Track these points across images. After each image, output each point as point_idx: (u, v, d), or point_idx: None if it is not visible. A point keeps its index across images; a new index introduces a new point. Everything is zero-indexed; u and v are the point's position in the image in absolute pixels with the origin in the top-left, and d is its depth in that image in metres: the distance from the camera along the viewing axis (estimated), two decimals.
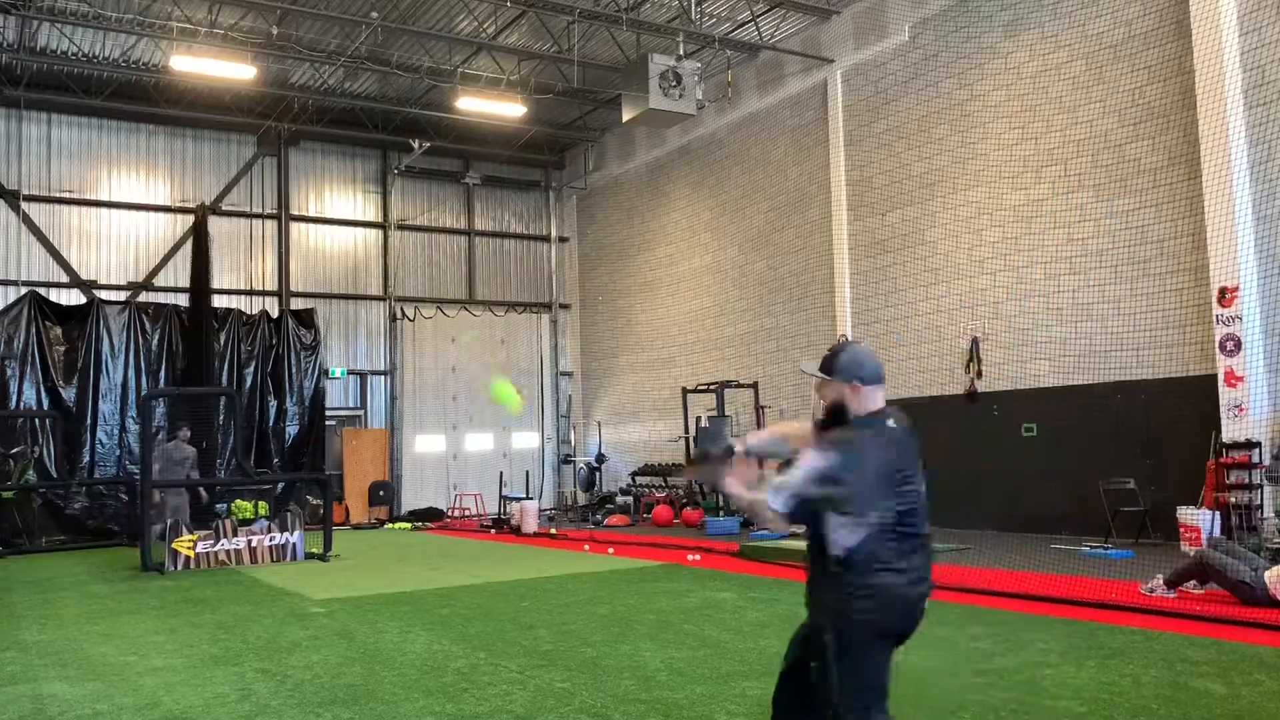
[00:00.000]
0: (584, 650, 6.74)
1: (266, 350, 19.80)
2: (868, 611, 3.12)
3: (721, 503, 17.81)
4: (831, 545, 3.12)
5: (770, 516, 3.17)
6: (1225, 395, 11.46)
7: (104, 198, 20.01)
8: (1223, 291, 11.48)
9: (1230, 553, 8.19)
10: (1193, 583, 8.18)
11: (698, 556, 12.28)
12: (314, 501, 18.46)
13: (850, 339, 4.05)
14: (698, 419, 18.64)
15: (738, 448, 3.63)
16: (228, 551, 12.75)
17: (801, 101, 18.02)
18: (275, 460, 19.42)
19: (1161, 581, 8.21)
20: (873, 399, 3.33)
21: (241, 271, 21.17)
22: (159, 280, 20.32)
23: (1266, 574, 7.68)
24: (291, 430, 19.80)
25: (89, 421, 17.80)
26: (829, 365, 3.40)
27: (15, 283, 18.90)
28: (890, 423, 3.30)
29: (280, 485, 19.23)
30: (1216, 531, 10.90)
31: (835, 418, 3.39)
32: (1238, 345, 11.34)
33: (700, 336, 20.45)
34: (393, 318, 22.72)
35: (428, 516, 20.47)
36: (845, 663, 3.13)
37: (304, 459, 19.65)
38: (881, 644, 3.19)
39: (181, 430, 15.12)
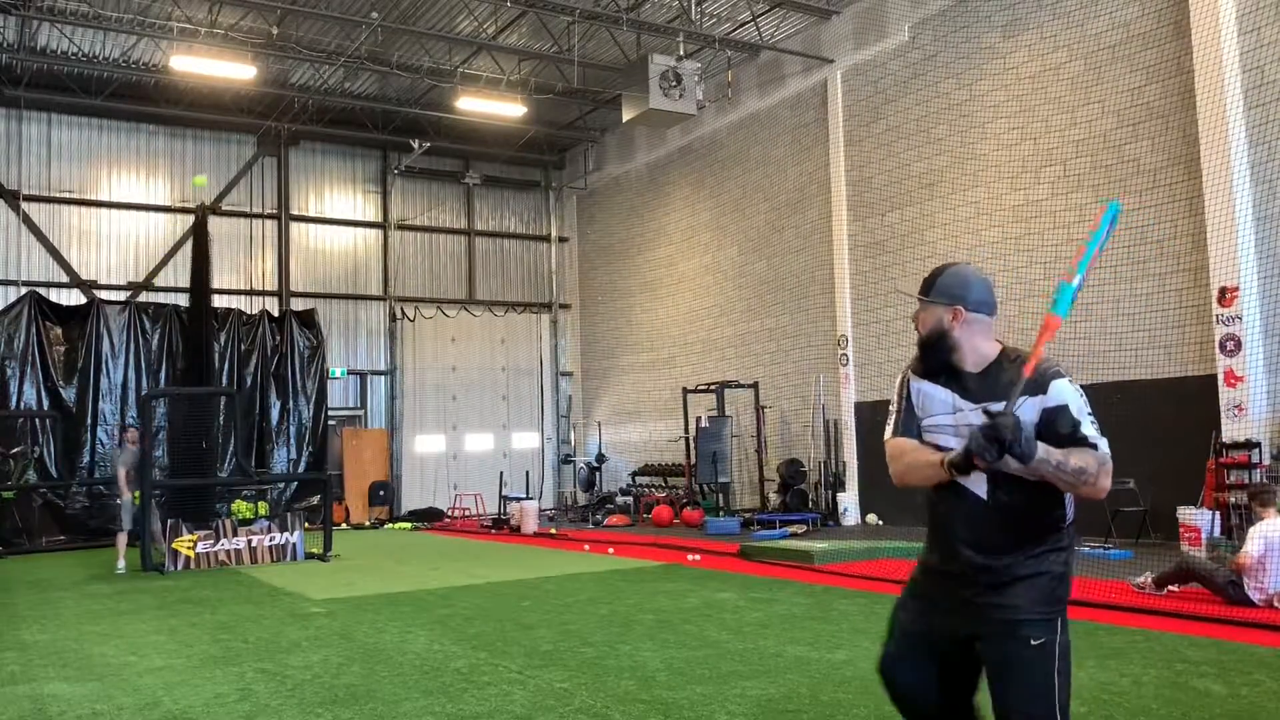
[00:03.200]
0: (584, 650, 6.73)
1: (268, 350, 19.80)
2: (1068, 576, 2.80)
3: (722, 502, 17.83)
4: (1066, 500, 2.78)
5: (1103, 465, 2.71)
6: (1225, 395, 11.46)
7: (104, 198, 20.02)
8: (1223, 291, 11.48)
9: (1220, 559, 8.29)
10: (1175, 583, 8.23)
11: (698, 556, 12.28)
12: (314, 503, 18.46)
13: (956, 262, 3.24)
14: (698, 419, 18.66)
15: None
16: (228, 551, 12.75)
17: (801, 101, 18.02)
18: (287, 459, 19.45)
19: (1151, 580, 8.25)
20: (981, 328, 2.89)
21: (241, 271, 21.17)
22: (159, 280, 20.33)
23: (1237, 557, 7.71)
24: (294, 430, 19.81)
25: (89, 421, 17.81)
26: (928, 286, 2.98)
27: (15, 283, 18.91)
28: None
29: (283, 486, 19.25)
30: (1216, 532, 10.91)
31: (933, 352, 2.92)
32: (1238, 345, 11.34)
33: (700, 336, 20.46)
34: (393, 318, 22.73)
35: (428, 516, 20.47)
36: (1062, 635, 2.76)
37: (309, 459, 19.69)
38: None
39: (127, 431, 14.91)
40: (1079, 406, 2.76)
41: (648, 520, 18.32)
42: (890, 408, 3.10)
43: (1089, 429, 2.74)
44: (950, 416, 2.90)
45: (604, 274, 23.65)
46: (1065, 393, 2.76)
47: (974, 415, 2.81)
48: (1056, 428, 2.71)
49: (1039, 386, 2.76)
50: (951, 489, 2.86)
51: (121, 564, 12.39)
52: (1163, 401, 12.06)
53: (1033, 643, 2.73)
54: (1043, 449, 2.64)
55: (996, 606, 2.79)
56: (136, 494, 12.93)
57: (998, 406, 2.71)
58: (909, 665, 3.04)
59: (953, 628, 2.92)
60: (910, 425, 3.01)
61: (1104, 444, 2.73)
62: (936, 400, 2.95)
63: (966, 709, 3.03)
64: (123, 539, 12.60)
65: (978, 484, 2.82)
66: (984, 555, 2.82)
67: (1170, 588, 8.20)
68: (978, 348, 2.90)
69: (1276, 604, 7.44)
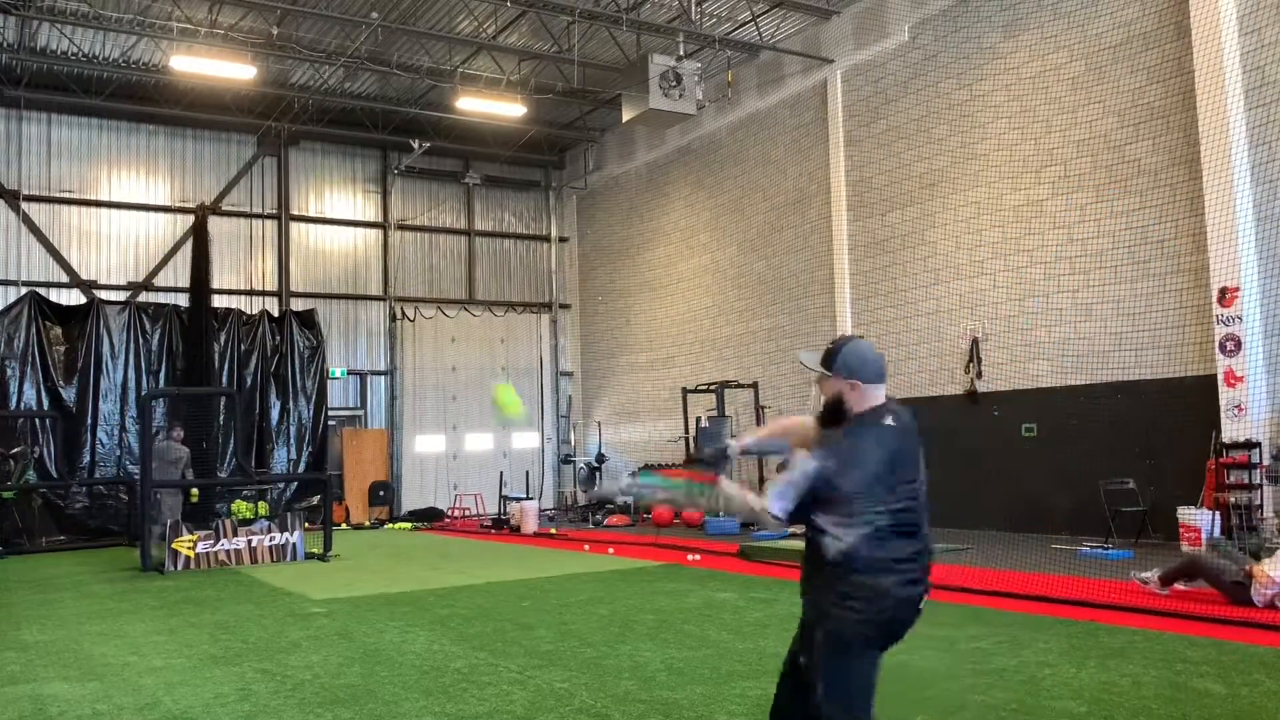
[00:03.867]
0: (584, 650, 6.73)
1: (268, 350, 19.80)
2: (860, 612, 3.10)
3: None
4: (826, 547, 3.12)
5: (770, 520, 3.14)
6: (1225, 395, 11.46)
7: (104, 198, 20.01)
8: (1223, 292, 11.48)
9: (1227, 555, 8.23)
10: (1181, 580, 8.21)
11: (698, 556, 12.28)
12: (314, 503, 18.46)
13: (852, 335, 3.89)
14: (698, 419, 18.65)
15: (734, 447, 3.59)
16: (228, 551, 12.75)
17: (801, 101, 18.02)
18: (287, 459, 19.47)
19: (1157, 577, 8.24)
20: (873, 396, 3.27)
21: (241, 271, 21.17)
22: (159, 280, 20.32)
23: (1256, 570, 7.70)
24: (294, 430, 19.81)
25: (89, 421, 17.80)
26: (829, 360, 3.32)
27: (15, 283, 18.90)
28: (889, 420, 3.23)
29: (283, 486, 19.25)
30: (1216, 532, 10.91)
31: (834, 414, 3.32)
32: (1238, 345, 11.34)
33: (700, 336, 20.45)
34: (393, 318, 22.73)
35: (428, 516, 20.46)
36: (835, 663, 3.13)
37: (309, 459, 19.69)
38: (872, 645, 3.16)
39: (175, 430, 15.05)
40: (798, 470, 3.14)
41: (648, 520, 18.32)
42: None
43: (778, 487, 3.13)
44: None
45: (604, 274, 23.65)
46: (802, 461, 3.16)
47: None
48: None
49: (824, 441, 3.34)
50: None
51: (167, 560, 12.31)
52: (1163, 401, 12.05)
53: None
54: (722, 482, 3.35)
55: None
56: (195, 492, 13.51)
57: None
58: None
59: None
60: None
61: (777, 502, 3.09)
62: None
63: None
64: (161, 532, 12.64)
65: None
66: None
67: (1177, 585, 8.19)
68: (865, 405, 3.30)
69: (1278, 604, 7.44)
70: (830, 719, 3.11)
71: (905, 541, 3.14)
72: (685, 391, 19.19)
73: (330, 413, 20.71)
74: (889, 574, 3.10)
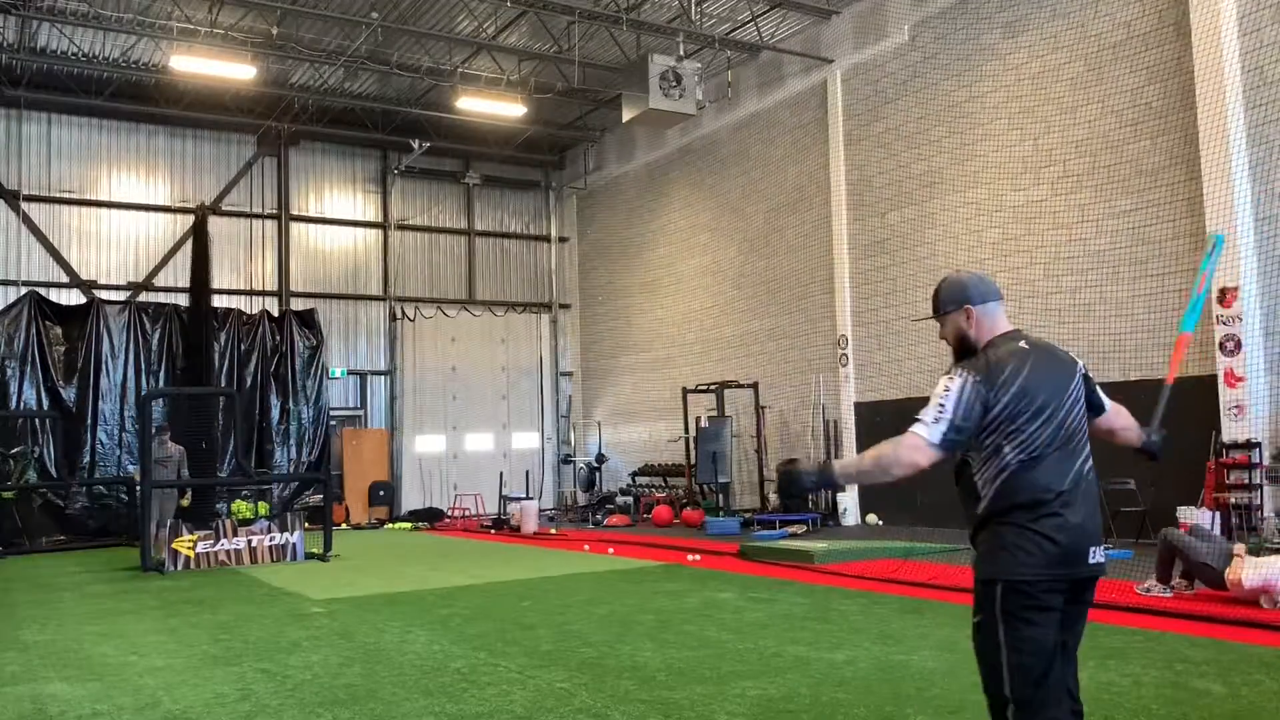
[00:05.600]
0: (584, 650, 6.73)
1: (268, 350, 19.81)
2: (1012, 567, 2.86)
3: (721, 503, 17.83)
4: (976, 489, 2.98)
5: (914, 458, 2.88)
6: (1225, 395, 11.46)
7: (104, 198, 20.01)
8: (1223, 292, 11.48)
9: (1205, 538, 8.26)
10: (1184, 583, 8.21)
11: (698, 556, 12.28)
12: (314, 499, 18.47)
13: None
14: (698, 419, 18.66)
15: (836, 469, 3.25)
16: (228, 551, 12.75)
17: (801, 102, 18.02)
18: (287, 459, 19.47)
19: (1154, 579, 8.25)
20: (992, 319, 3.11)
21: (241, 271, 21.17)
22: (159, 280, 20.33)
23: (1228, 570, 7.71)
24: (294, 430, 19.82)
25: (89, 421, 17.82)
26: (935, 303, 3.22)
27: (15, 283, 18.91)
28: (1022, 343, 3.02)
29: (283, 486, 19.26)
30: (1216, 532, 10.90)
31: (965, 353, 3.13)
32: (1238, 345, 11.34)
33: (700, 336, 20.45)
34: (393, 318, 22.73)
35: (428, 517, 20.46)
36: (991, 627, 2.88)
37: (309, 459, 19.70)
38: (1029, 608, 2.85)
39: (166, 430, 14.98)
40: (932, 397, 2.96)
41: (648, 520, 18.33)
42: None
43: (924, 411, 2.94)
44: None
45: (604, 274, 23.65)
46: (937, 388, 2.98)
47: None
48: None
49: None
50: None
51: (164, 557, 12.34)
52: None
53: (973, 620, 2.99)
54: (837, 468, 3.14)
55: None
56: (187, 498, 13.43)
57: None
58: None
59: None
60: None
61: (921, 427, 2.91)
62: None
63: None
64: (161, 534, 12.60)
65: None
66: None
67: (1175, 581, 8.19)
68: (995, 331, 3.13)
69: (1264, 603, 7.44)
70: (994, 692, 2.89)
71: (1041, 483, 2.91)
72: (685, 391, 19.19)
73: (330, 413, 20.72)
74: (1028, 526, 2.89)
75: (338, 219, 22.42)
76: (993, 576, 2.91)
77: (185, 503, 13.96)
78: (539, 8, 15.89)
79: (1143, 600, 7.95)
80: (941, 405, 2.90)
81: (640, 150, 22.19)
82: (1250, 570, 7.56)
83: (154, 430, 14.98)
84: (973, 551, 3.06)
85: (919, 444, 2.89)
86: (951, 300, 3.17)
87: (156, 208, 20.47)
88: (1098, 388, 3.26)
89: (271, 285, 21.45)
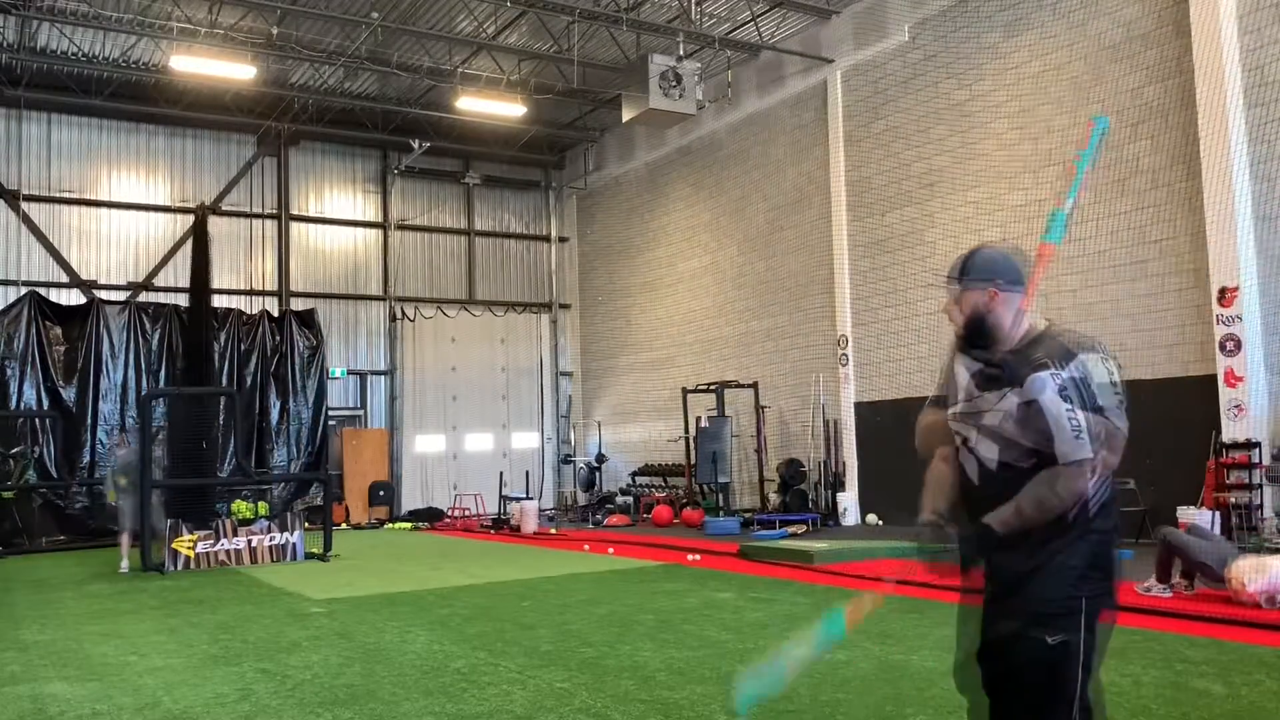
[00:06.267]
0: (584, 650, 6.73)
1: (268, 350, 19.80)
2: (1105, 586, 2.84)
3: (721, 502, 17.83)
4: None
5: (1073, 487, 2.72)
6: (1225, 395, 11.46)
7: (104, 198, 20.01)
8: (1223, 291, 11.48)
9: (1206, 537, 8.26)
10: (1184, 582, 8.20)
11: (698, 556, 12.28)
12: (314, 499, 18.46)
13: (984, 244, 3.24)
14: (698, 419, 18.66)
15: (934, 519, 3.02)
16: (228, 551, 12.75)
17: (801, 102, 18.02)
18: (287, 459, 19.47)
19: (1154, 579, 8.25)
20: (1014, 305, 2.87)
21: (241, 271, 21.17)
22: (159, 280, 20.33)
23: (1233, 567, 7.69)
24: (294, 430, 19.82)
25: (89, 421, 17.82)
26: (960, 269, 2.93)
27: (15, 283, 18.90)
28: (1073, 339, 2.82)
29: (283, 486, 19.25)
30: (1217, 532, 10.90)
31: (975, 335, 2.91)
32: (1238, 345, 11.34)
33: (700, 336, 20.45)
34: (393, 318, 22.73)
35: (428, 516, 20.47)
36: (1077, 648, 2.74)
37: (309, 459, 19.69)
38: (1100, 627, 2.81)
39: (126, 433, 14.81)
40: (1056, 411, 2.69)
41: (648, 520, 18.33)
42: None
43: (1063, 437, 2.69)
44: (964, 404, 2.96)
45: (604, 274, 23.65)
46: (1038, 387, 2.72)
47: (981, 401, 2.87)
48: (1034, 424, 2.71)
49: (1018, 380, 2.76)
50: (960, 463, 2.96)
51: (125, 564, 12.40)
52: (1163, 401, 12.05)
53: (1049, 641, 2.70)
54: (996, 520, 2.72)
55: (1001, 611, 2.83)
56: (112, 493, 12.83)
57: (996, 401, 2.80)
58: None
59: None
60: (940, 401, 3.09)
61: (1078, 448, 2.69)
62: (959, 386, 3.00)
63: None
64: (126, 539, 12.59)
65: (971, 467, 2.92)
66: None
67: (1175, 580, 8.19)
68: (1019, 324, 2.90)
69: (1264, 604, 7.43)
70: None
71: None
72: (685, 391, 19.19)
73: (330, 413, 20.72)
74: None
75: (338, 219, 22.42)
76: (1082, 594, 2.75)
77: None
78: (539, 8, 15.89)
79: (1143, 600, 7.94)
80: (1072, 420, 2.71)
81: (640, 150, 22.18)
82: (1252, 575, 7.52)
83: (115, 431, 14.67)
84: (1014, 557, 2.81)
85: (1081, 470, 2.72)
86: (983, 275, 2.88)
87: (156, 208, 20.47)
88: None
89: (271, 285, 21.45)
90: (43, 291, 18.60)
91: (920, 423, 3.13)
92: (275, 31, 16.62)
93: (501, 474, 20.07)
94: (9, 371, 17.30)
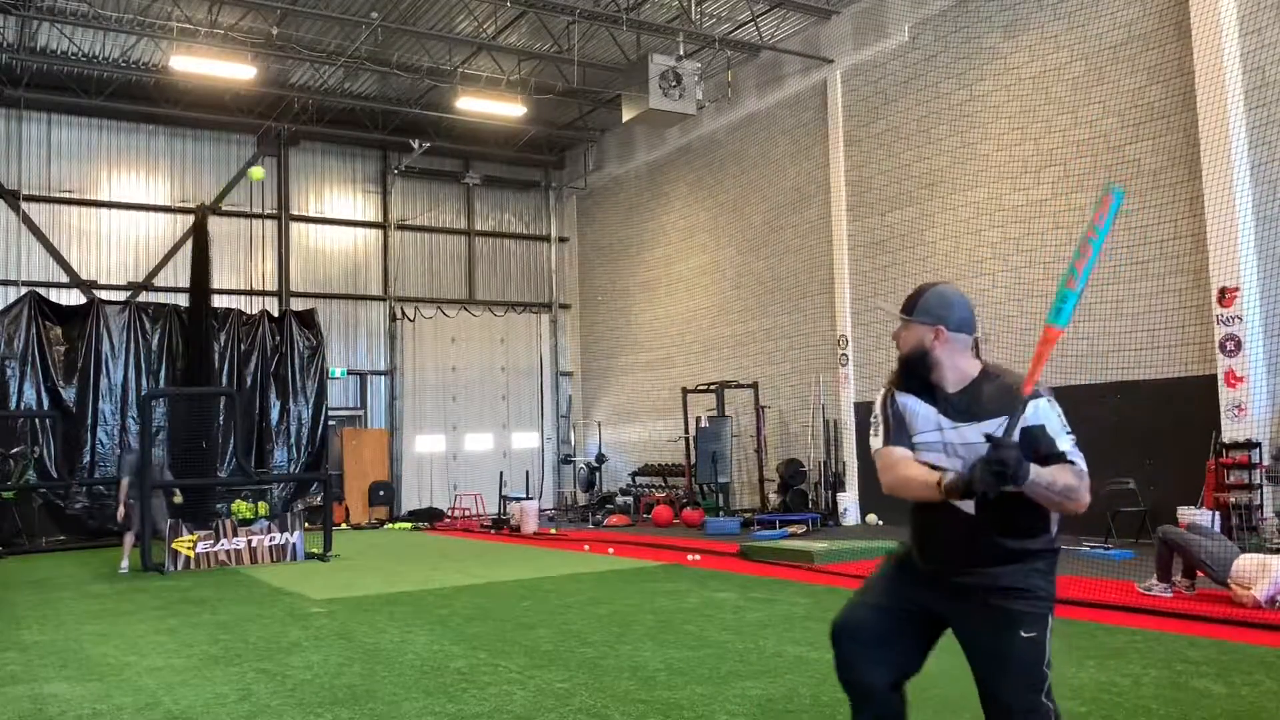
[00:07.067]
0: (584, 650, 6.73)
1: (268, 350, 19.80)
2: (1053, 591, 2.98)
3: (721, 502, 17.83)
4: (1050, 523, 2.93)
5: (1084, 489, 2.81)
6: (1225, 395, 11.46)
7: (104, 198, 20.02)
8: (1223, 292, 11.48)
9: (1207, 535, 8.27)
10: (1186, 582, 8.20)
11: (698, 556, 12.28)
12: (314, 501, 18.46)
13: (938, 282, 3.32)
14: (697, 419, 18.66)
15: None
16: (228, 551, 12.75)
17: (801, 101, 18.02)
18: (287, 459, 19.47)
19: (1155, 580, 8.24)
20: (960, 348, 2.97)
21: (241, 271, 21.17)
22: (159, 280, 20.33)
23: (1235, 566, 7.68)
24: (294, 430, 19.81)
25: (89, 421, 17.81)
26: (909, 305, 3.00)
27: (15, 283, 18.91)
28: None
29: (283, 486, 19.24)
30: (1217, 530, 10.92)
31: (912, 371, 2.99)
32: (1238, 345, 11.34)
33: (700, 336, 20.46)
34: (393, 318, 22.73)
35: (428, 517, 20.46)
36: (1043, 644, 2.96)
37: (309, 459, 19.69)
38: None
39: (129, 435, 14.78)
40: (1057, 426, 2.81)
41: (648, 520, 18.32)
42: (874, 419, 3.12)
43: (1068, 445, 2.80)
44: (937, 434, 2.97)
45: (603, 274, 23.65)
46: (1044, 412, 2.82)
47: (956, 434, 2.91)
48: (1037, 447, 2.73)
49: (1007, 409, 2.81)
50: (941, 504, 2.89)
51: (125, 564, 12.39)
52: (1163, 401, 12.06)
53: (1023, 635, 2.89)
54: (1034, 471, 2.67)
55: (986, 598, 2.94)
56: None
57: (995, 428, 2.74)
58: (868, 632, 3.10)
59: (927, 602, 3.03)
60: (900, 437, 3.03)
61: (1081, 459, 2.82)
62: (921, 417, 3.01)
63: (901, 685, 3.14)
64: (129, 539, 12.57)
65: (966, 502, 2.86)
66: (971, 568, 2.93)
67: (1175, 579, 8.19)
68: (958, 366, 2.98)
69: (1265, 604, 7.43)
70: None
71: None
72: (685, 391, 19.20)
73: (330, 413, 20.71)
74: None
75: (338, 219, 22.42)
76: (1051, 597, 2.97)
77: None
78: (539, 8, 15.89)
79: (1143, 600, 7.94)
80: (1069, 432, 2.85)
81: (640, 150, 22.19)
82: (1259, 580, 7.51)
83: (117, 433, 14.63)
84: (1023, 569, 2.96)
85: (1087, 486, 2.82)
86: (930, 312, 2.97)
87: (156, 208, 20.48)
88: None
89: (271, 285, 21.45)
90: (43, 291, 18.60)
91: (898, 472, 2.96)
92: (275, 31, 16.62)
93: (501, 474, 20.06)
94: (9, 371, 17.30)
